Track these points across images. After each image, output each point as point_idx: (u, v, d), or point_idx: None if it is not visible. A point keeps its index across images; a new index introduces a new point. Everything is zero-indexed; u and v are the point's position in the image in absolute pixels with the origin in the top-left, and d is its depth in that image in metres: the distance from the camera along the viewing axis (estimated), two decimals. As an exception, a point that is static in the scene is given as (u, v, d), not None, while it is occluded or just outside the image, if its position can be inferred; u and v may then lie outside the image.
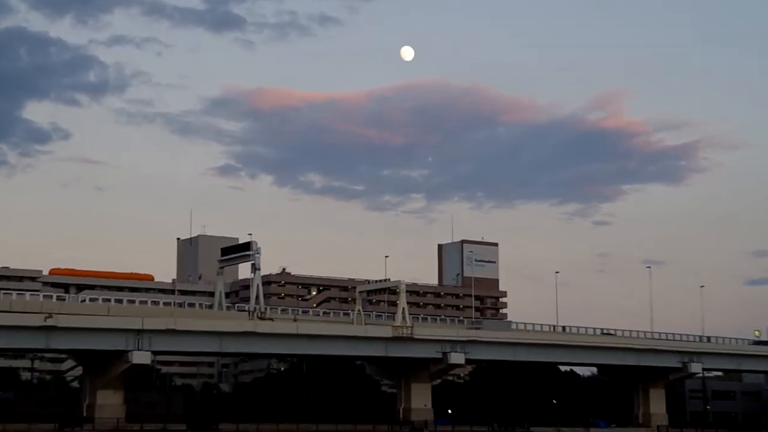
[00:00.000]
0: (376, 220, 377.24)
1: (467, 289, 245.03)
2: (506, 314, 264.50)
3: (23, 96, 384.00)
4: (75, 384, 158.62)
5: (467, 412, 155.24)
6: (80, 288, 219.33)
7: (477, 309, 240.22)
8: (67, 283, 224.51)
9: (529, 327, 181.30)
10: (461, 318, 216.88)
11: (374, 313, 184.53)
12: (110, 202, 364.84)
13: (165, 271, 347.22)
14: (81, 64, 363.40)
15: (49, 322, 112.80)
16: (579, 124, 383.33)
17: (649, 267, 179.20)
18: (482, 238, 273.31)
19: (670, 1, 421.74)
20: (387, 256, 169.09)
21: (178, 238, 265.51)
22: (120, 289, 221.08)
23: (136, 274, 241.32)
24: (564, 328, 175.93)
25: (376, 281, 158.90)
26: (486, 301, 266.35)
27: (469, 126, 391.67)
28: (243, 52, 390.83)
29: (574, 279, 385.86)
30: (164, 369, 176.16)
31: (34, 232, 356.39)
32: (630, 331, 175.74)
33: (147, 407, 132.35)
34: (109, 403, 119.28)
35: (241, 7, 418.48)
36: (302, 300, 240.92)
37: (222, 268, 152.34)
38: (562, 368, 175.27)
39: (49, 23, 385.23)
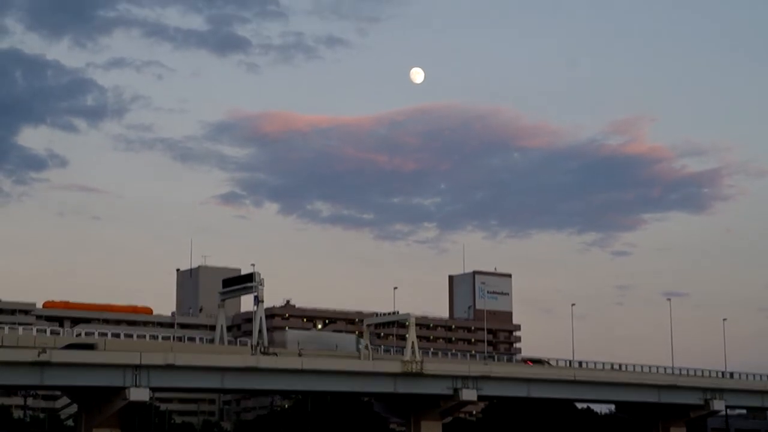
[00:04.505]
0: (386, 250, 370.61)
1: (479, 323, 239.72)
2: (520, 349, 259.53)
3: (18, 121, 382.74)
4: (69, 422, 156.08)
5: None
6: (75, 321, 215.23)
7: (489, 343, 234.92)
8: (62, 317, 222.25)
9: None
10: (473, 352, 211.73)
11: (382, 347, 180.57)
12: (108, 231, 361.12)
13: (164, 304, 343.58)
14: (78, 88, 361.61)
15: (43, 358, 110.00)
16: (598, 149, 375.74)
17: (669, 299, 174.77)
18: (495, 269, 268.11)
19: (694, 24, 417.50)
20: (396, 288, 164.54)
21: (177, 269, 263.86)
22: (117, 322, 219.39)
23: (133, 306, 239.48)
24: (580, 363, 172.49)
25: (385, 314, 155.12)
26: (499, 335, 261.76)
27: (483, 151, 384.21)
28: (247, 75, 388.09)
29: (591, 312, 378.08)
30: (163, 406, 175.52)
31: (28, 263, 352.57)
32: (649, 366, 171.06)
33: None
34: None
35: (245, 28, 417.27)
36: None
37: (223, 300, 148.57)
38: (579, 405, 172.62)
39: (46, 45, 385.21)
